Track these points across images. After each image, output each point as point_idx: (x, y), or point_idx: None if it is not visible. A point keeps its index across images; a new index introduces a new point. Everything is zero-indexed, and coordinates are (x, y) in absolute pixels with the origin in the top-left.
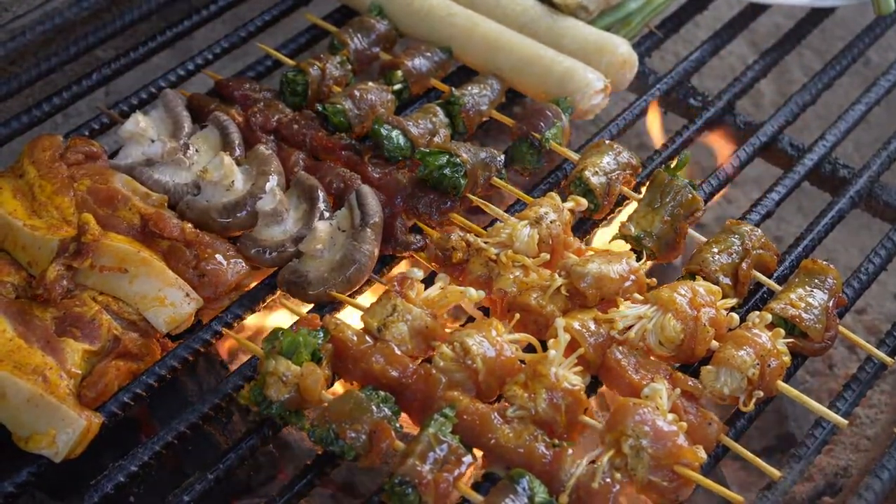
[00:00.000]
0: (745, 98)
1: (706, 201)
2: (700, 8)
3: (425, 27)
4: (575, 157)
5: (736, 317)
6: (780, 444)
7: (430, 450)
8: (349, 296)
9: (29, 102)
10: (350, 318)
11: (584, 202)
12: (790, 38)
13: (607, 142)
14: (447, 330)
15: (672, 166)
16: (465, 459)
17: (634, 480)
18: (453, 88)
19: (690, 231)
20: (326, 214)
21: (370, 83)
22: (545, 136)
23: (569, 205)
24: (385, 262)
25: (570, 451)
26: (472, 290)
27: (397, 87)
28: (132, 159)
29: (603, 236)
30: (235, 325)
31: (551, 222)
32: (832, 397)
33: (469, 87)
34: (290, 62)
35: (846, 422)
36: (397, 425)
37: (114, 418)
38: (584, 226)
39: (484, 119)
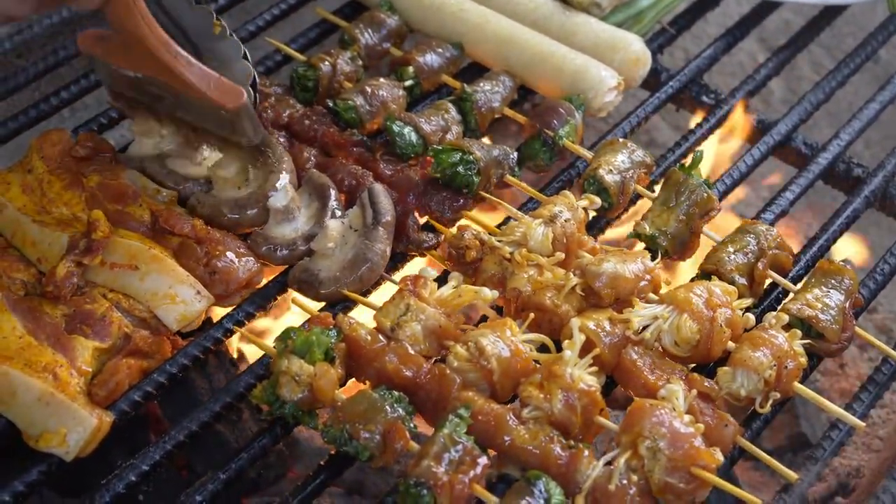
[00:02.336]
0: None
1: (720, 200)
2: (712, 4)
3: (436, 23)
4: (588, 154)
5: (752, 317)
6: (793, 443)
7: (445, 451)
8: (361, 295)
9: (36, 96)
10: (362, 316)
11: (598, 201)
12: (802, 36)
13: (621, 140)
14: (461, 329)
15: (686, 165)
16: (480, 461)
17: (651, 482)
18: (465, 85)
19: (704, 230)
20: (338, 213)
21: (381, 79)
22: (558, 134)
23: (583, 203)
24: (397, 260)
25: (586, 452)
26: (486, 290)
27: (408, 83)
28: (143, 154)
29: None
30: (247, 323)
31: (566, 221)
32: (844, 396)
33: (481, 84)
34: (301, 57)
35: (863, 424)
36: (411, 425)
37: (124, 417)
38: (597, 224)
39: (496, 116)
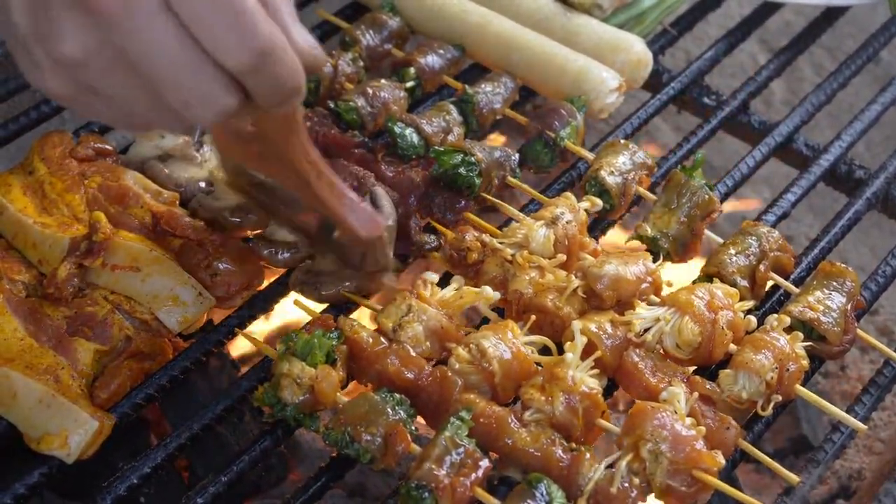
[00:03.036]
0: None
1: (721, 202)
2: (713, 5)
3: (438, 24)
4: (590, 156)
5: (754, 320)
6: (794, 446)
7: (447, 453)
8: (363, 296)
9: (37, 98)
10: (363, 319)
11: (599, 202)
12: (804, 37)
13: (622, 141)
14: (462, 332)
15: (688, 167)
16: (481, 463)
17: (652, 485)
18: (467, 86)
19: (706, 232)
20: None
21: (383, 80)
22: (560, 136)
23: (584, 205)
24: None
25: (587, 455)
26: (488, 290)
27: (410, 84)
28: (144, 155)
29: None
30: (248, 325)
31: (567, 223)
32: (845, 399)
33: (482, 85)
34: None
35: (865, 426)
36: (413, 428)
37: (126, 419)
38: (598, 226)
39: (497, 117)
